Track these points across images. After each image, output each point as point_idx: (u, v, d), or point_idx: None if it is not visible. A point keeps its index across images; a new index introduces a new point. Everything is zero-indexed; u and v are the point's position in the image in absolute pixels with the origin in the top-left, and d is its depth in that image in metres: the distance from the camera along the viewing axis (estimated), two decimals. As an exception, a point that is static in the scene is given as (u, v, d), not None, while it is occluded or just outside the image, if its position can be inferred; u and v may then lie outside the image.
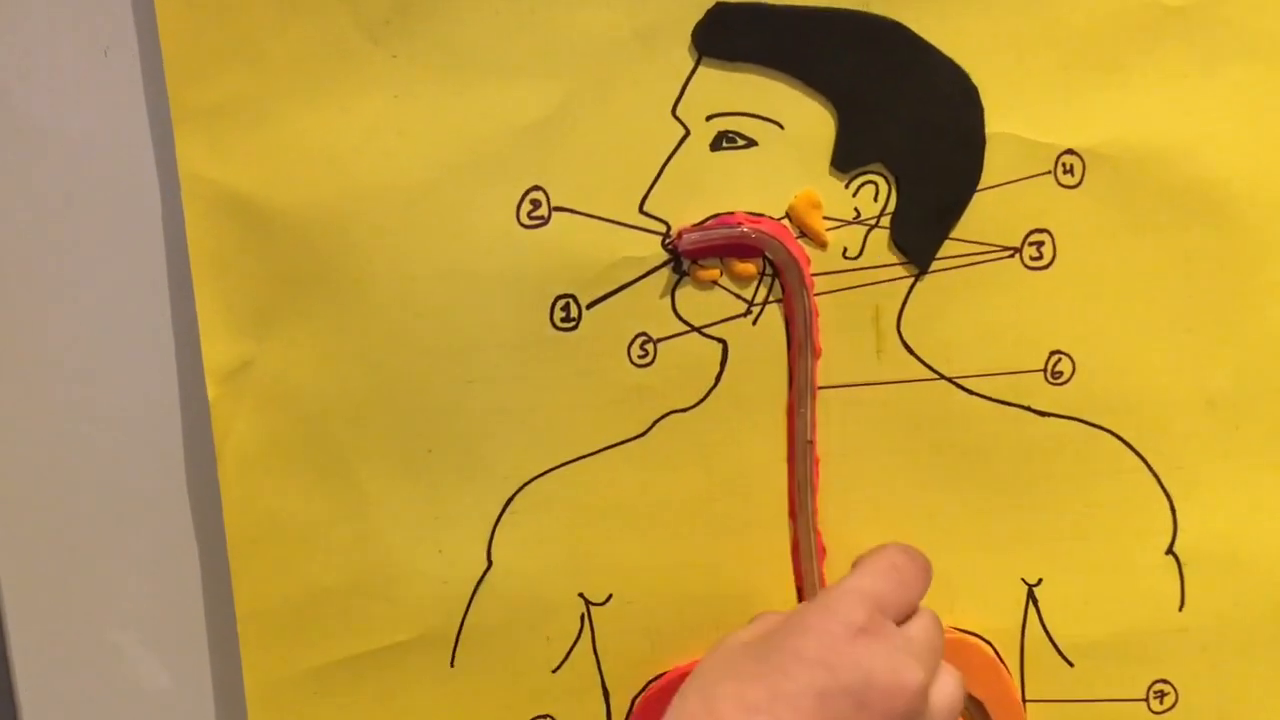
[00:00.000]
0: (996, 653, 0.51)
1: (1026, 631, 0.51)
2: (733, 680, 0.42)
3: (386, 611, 0.50)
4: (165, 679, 0.52)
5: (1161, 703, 0.52)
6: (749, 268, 0.48)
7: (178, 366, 0.50)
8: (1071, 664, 0.51)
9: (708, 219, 0.48)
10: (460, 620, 0.50)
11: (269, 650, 0.50)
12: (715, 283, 0.48)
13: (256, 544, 0.49)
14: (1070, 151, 0.48)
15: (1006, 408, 0.49)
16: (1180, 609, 0.51)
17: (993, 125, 0.47)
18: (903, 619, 0.45)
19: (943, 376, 0.49)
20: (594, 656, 0.51)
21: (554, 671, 0.51)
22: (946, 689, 0.45)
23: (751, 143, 0.47)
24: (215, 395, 0.48)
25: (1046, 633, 0.51)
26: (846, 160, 0.48)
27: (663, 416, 0.49)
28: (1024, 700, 0.52)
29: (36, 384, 0.50)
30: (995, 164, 0.48)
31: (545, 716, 0.51)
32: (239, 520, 0.49)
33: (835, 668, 0.41)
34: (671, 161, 0.47)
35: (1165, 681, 0.52)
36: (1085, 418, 0.49)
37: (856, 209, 0.48)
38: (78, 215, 0.49)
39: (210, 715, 0.53)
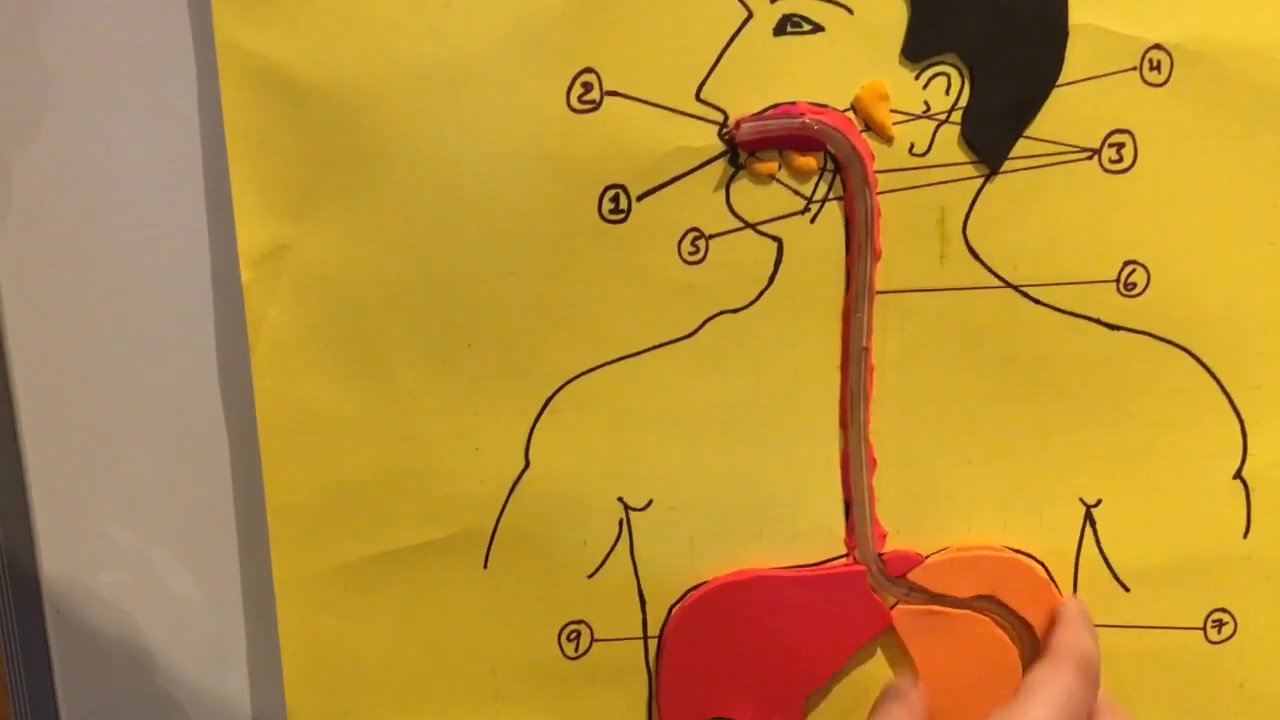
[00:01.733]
0: (1049, 574, 0.49)
1: (1082, 553, 0.49)
2: None
3: (420, 509, 0.49)
4: (192, 576, 0.51)
5: (1219, 632, 0.50)
6: (809, 162, 0.46)
7: (210, 249, 0.48)
8: (1127, 589, 0.49)
9: (768, 109, 0.45)
10: (495, 521, 0.49)
11: (299, 543, 0.49)
12: (773, 177, 0.46)
13: (289, 434, 0.48)
14: (1158, 46, 0.45)
15: (1075, 319, 0.47)
16: (1245, 536, 0.49)
17: (1076, 15, 0.44)
18: None
19: (1009, 284, 0.47)
20: (632, 563, 0.49)
21: (590, 577, 0.49)
22: None
23: (818, 28, 0.45)
24: (249, 279, 0.47)
25: (1103, 555, 0.49)
26: (918, 49, 0.45)
27: (712, 317, 0.47)
28: (1076, 624, 0.50)
29: (64, 267, 0.48)
30: (1077, 58, 0.45)
31: (580, 623, 0.50)
32: (271, 409, 0.48)
33: None
34: (732, 46, 0.45)
35: (1224, 610, 0.50)
36: (1157, 333, 0.47)
37: (926, 103, 0.45)
38: (108, 88, 0.47)
39: (239, 613, 0.52)
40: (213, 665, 0.53)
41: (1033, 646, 0.50)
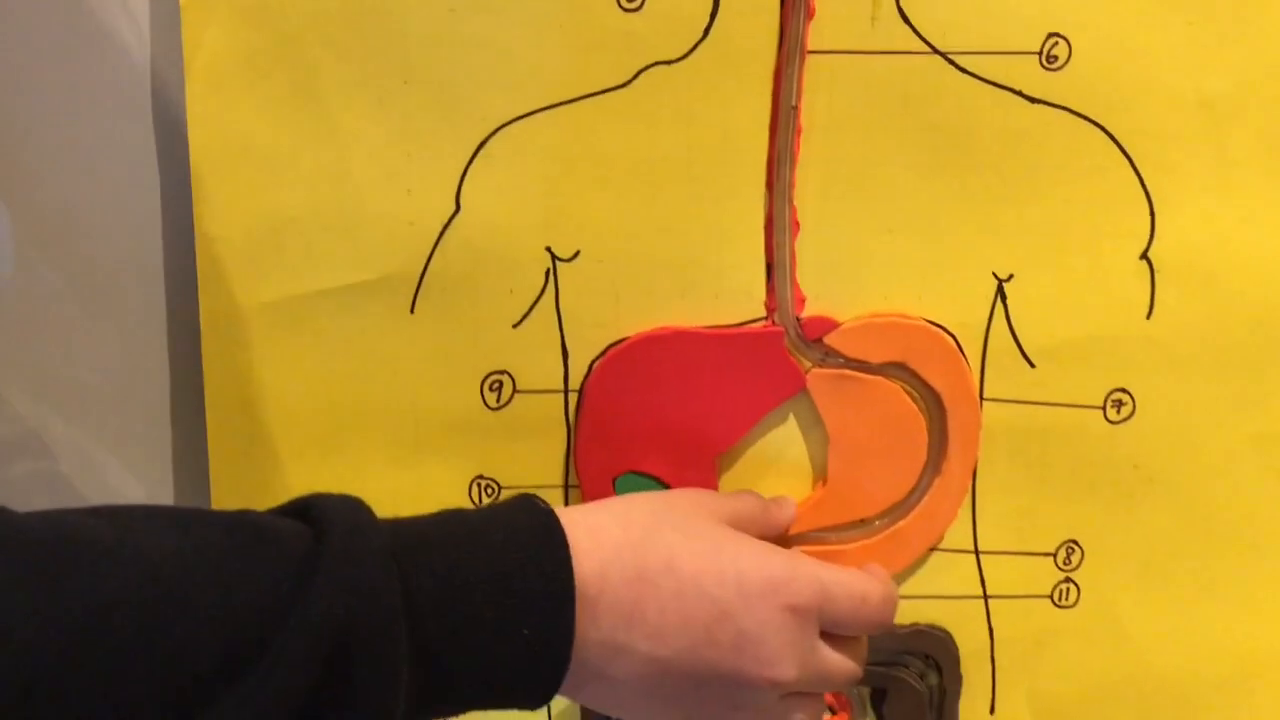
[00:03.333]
0: (959, 346, 0.51)
1: (992, 327, 0.51)
2: (682, 543, 0.44)
3: (349, 249, 0.49)
4: (121, 298, 0.52)
5: (1119, 412, 0.52)
6: (749, -88, 0.46)
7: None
8: (1033, 365, 0.51)
9: None
10: (424, 265, 0.49)
11: (227, 279, 0.49)
12: (713, -74, 0.47)
13: (221, 166, 0.48)
14: None
15: (998, 90, 0.48)
16: (1148, 317, 0.51)
17: None
18: (831, 635, 0.46)
19: (936, 51, 0.48)
20: (556, 314, 0.50)
21: (514, 327, 0.50)
22: (805, 710, 0.46)
23: None
24: (186, 2, 0.47)
25: (1011, 330, 0.51)
26: None
27: (647, 67, 0.48)
28: (982, 399, 0.52)
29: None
30: None
31: (502, 373, 0.51)
32: (204, 140, 0.48)
33: (750, 611, 0.43)
34: None
35: (1124, 391, 0.52)
36: (1075, 108, 0.48)
37: None
38: None
39: (163, 345, 0.52)
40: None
41: (939, 416, 0.51)
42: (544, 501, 0.43)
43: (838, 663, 0.46)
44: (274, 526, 0.38)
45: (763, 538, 0.47)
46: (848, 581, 0.46)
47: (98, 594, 0.33)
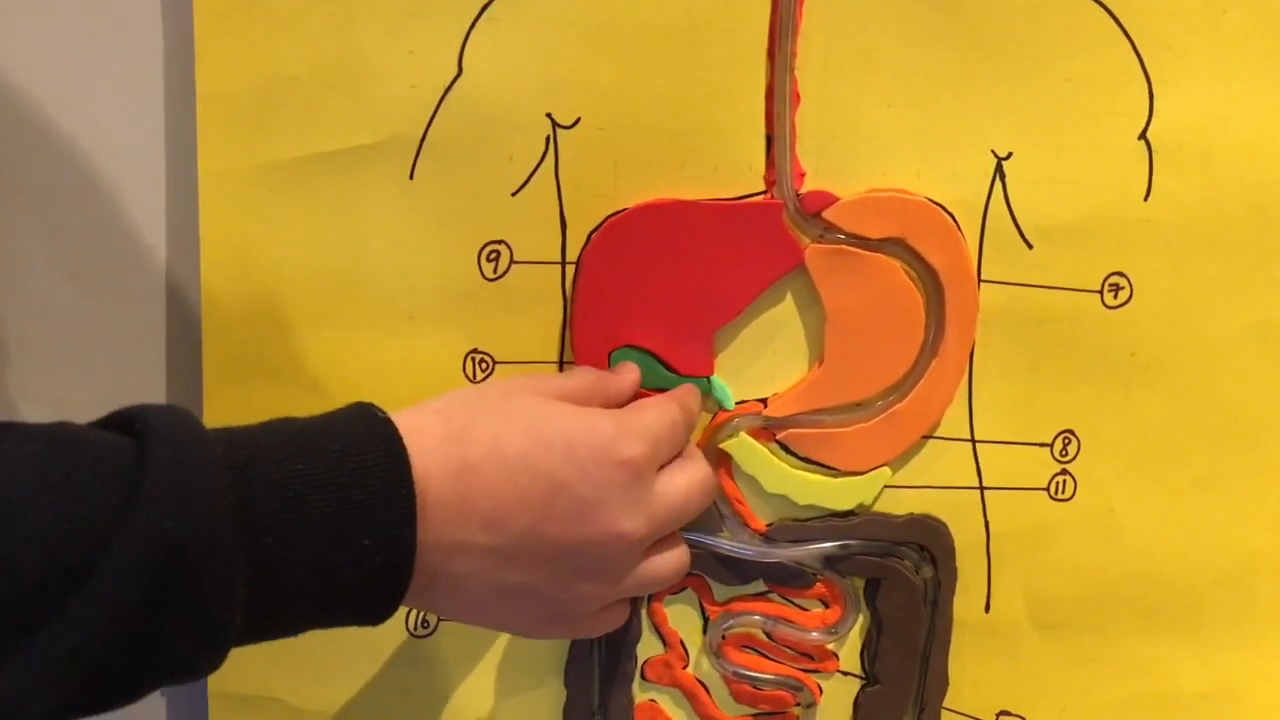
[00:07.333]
0: (957, 224, 0.51)
1: (990, 206, 0.51)
2: (503, 424, 0.43)
3: (351, 110, 0.49)
4: (120, 162, 0.52)
5: (1116, 296, 0.52)
6: None
7: None
8: (1030, 246, 0.51)
9: None
10: (424, 128, 0.49)
11: (226, 137, 0.49)
12: None
13: (225, 20, 0.48)
14: None
15: (998, -37, 0.49)
16: (1146, 199, 0.51)
17: None
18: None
19: (938, -78, 0.48)
20: (555, 183, 0.50)
21: (513, 195, 0.50)
22: (668, 560, 0.47)
23: None
24: None
25: (1010, 209, 0.51)
26: None
27: (652, -68, 0.48)
28: (979, 280, 0.51)
29: None
30: None
31: (500, 243, 0.51)
32: (208, -6, 0.48)
33: (585, 477, 0.43)
34: None
35: (1121, 274, 0.52)
36: (1075, -16, 0.49)
37: None
38: None
39: (160, 210, 0.52)
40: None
41: (937, 295, 0.51)
42: (381, 410, 0.42)
43: (680, 486, 0.46)
44: (97, 440, 0.37)
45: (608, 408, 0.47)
46: (666, 418, 0.46)
47: None
